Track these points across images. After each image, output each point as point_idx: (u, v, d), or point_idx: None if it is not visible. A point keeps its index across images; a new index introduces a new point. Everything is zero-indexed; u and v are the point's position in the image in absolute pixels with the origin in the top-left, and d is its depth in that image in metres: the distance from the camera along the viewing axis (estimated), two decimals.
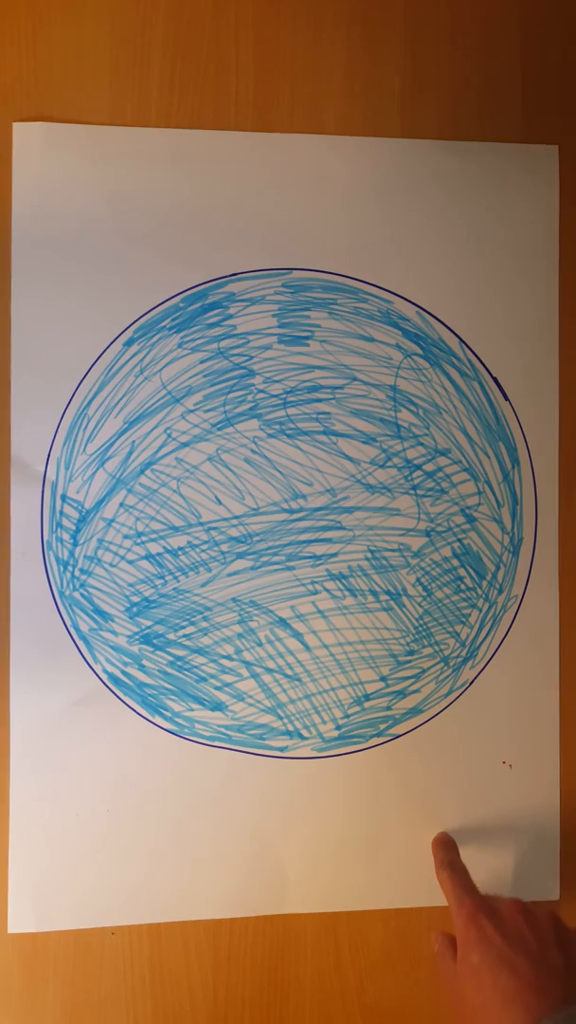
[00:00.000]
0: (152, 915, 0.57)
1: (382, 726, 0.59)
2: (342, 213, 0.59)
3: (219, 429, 0.58)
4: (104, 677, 0.57)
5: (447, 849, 0.57)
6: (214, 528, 0.58)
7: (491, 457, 0.60)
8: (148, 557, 0.57)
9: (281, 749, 0.58)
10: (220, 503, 0.58)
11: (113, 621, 0.57)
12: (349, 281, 0.59)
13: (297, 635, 0.58)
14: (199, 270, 0.58)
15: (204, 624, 0.58)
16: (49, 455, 0.57)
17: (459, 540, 0.60)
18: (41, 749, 0.56)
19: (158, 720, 0.57)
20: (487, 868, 0.59)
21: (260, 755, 0.58)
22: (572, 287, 0.61)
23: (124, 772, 0.57)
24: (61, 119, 0.57)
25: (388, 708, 0.59)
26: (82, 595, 0.57)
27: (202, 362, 0.58)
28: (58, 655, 0.57)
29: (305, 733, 0.58)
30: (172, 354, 0.58)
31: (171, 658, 0.58)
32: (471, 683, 0.60)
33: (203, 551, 0.58)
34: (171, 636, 0.58)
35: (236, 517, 0.58)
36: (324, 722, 0.59)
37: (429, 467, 0.59)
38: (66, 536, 0.57)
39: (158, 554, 0.57)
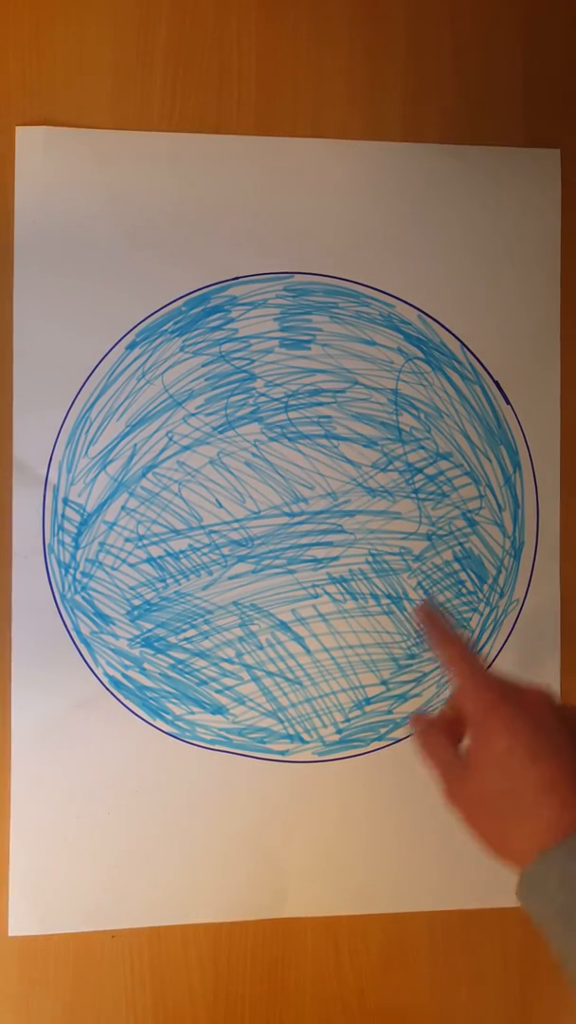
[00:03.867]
0: (152, 918, 0.57)
1: (383, 730, 0.59)
2: (344, 217, 0.59)
3: (220, 432, 0.58)
4: (105, 680, 0.57)
5: (441, 621, 0.49)
6: (215, 531, 0.58)
7: (492, 461, 0.60)
8: (149, 560, 0.57)
9: (282, 753, 0.58)
10: (221, 506, 0.58)
11: (114, 624, 0.57)
12: (351, 285, 0.59)
13: (298, 638, 0.58)
14: (201, 274, 0.58)
15: (205, 627, 0.58)
16: (51, 458, 0.57)
17: (460, 544, 0.60)
18: (42, 752, 0.56)
19: (159, 723, 0.57)
20: (487, 871, 0.59)
21: (261, 759, 0.58)
22: (573, 290, 0.61)
23: (125, 775, 0.57)
24: (64, 123, 0.57)
25: (389, 712, 0.59)
26: (83, 598, 0.57)
27: (204, 365, 0.58)
28: (59, 658, 0.57)
29: (306, 737, 0.58)
30: (174, 357, 0.58)
31: (172, 661, 0.58)
32: None
33: (204, 554, 0.58)
34: (172, 639, 0.58)
35: (237, 520, 0.58)
36: (325, 726, 0.59)
37: (430, 471, 0.59)
38: (68, 539, 0.57)
39: (159, 557, 0.57)
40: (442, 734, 0.45)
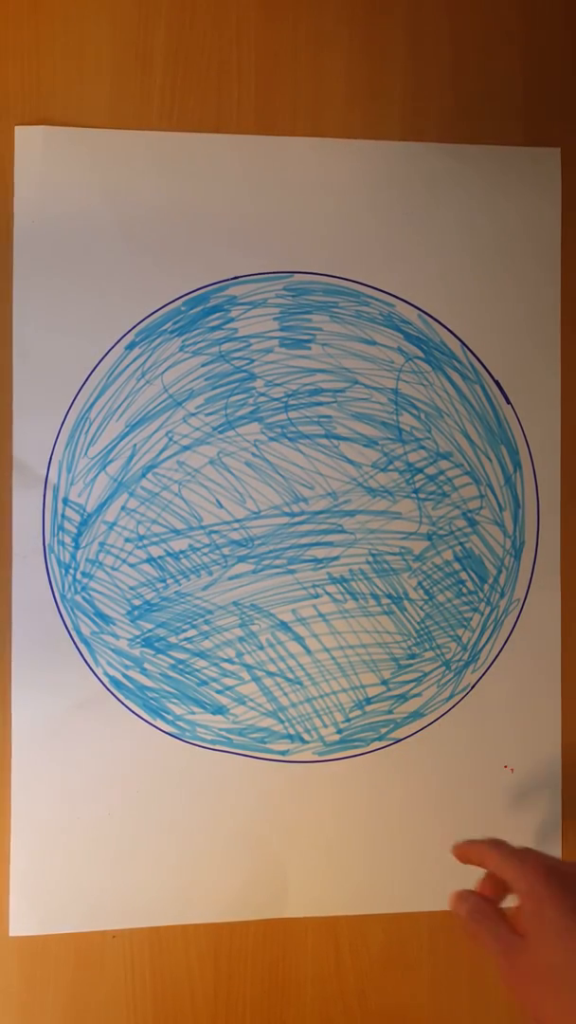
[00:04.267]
0: (153, 918, 0.57)
1: (383, 730, 0.59)
2: (344, 216, 0.59)
3: (220, 432, 0.58)
4: (105, 680, 0.57)
5: (465, 900, 0.49)
6: (215, 531, 0.58)
7: (493, 460, 0.60)
8: (149, 560, 0.57)
9: (282, 753, 0.58)
10: (221, 506, 0.58)
11: (114, 624, 0.57)
12: (351, 284, 0.59)
13: (298, 638, 0.58)
14: (200, 273, 0.58)
15: (205, 627, 0.58)
16: (51, 458, 0.57)
17: (461, 544, 0.60)
18: (42, 752, 0.56)
19: (159, 723, 0.57)
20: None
21: (261, 759, 0.58)
22: (574, 289, 0.61)
23: (125, 775, 0.57)
24: (63, 123, 0.57)
25: (389, 712, 0.59)
26: (83, 598, 0.57)
27: (203, 365, 0.58)
28: (59, 658, 0.57)
29: (306, 737, 0.58)
30: (173, 357, 0.58)
31: (172, 661, 0.58)
32: (473, 687, 0.60)
33: (204, 554, 0.58)
34: (172, 639, 0.58)
35: (237, 520, 0.58)
36: (325, 726, 0.58)
37: (431, 470, 0.59)
38: (68, 539, 0.57)
39: (159, 557, 0.57)
40: (492, 910, 0.45)
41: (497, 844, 0.47)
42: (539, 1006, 0.41)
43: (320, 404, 0.59)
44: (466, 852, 0.49)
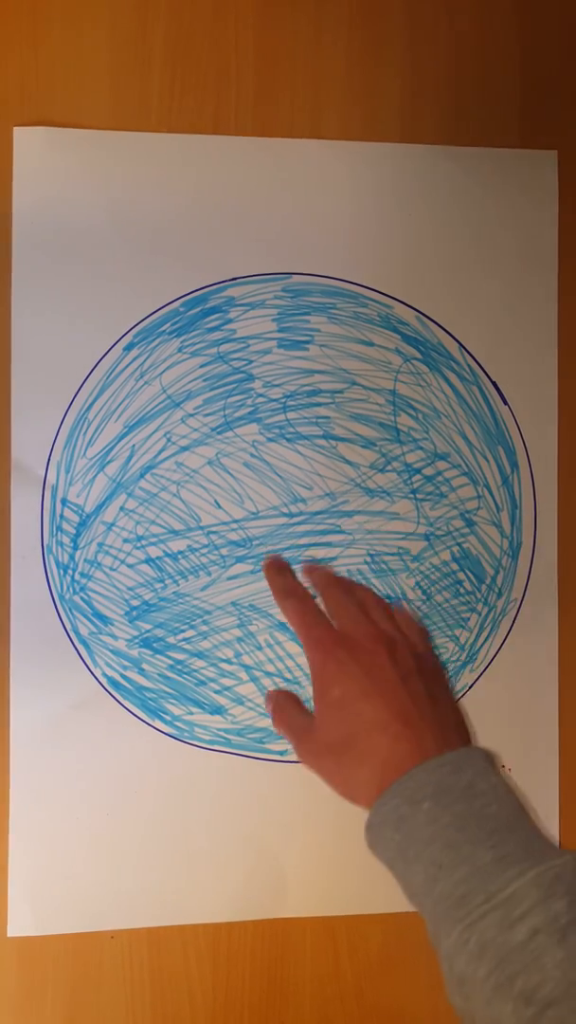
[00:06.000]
0: (151, 919, 0.57)
1: None
2: (342, 218, 0.59)
3: (219, 433, 0.58)
4: (104, 681, 0.57)
5: (282, 574, 0.52)
6: (214, 532, 0.58)
7: (490, 461, 0.60)
8: (148, 561, 0.57)
9: (280, 753, 0.58)
10: (220, 507, 0.58)
11: (113, 625, 0.57)
12: (349, 285, 0.59)
13: (296, 639, 0.58)
14: (199, 274, 0.58)
15: (204, 628, 0.58)
16: (49, 459, 0.57)
17: (458, 544, 0.60)
18: (41, 753, 0.56)
19: (157, 724, 0.57)
20: None
21: (259, 759, 0.58)
22: (571, 291, 0.61)
23: (123, 776, 0.57)
24: (62, 124, 0.57)
25: None
26: (82, 599, 0.57)
27: (202, 366, 0.58)
28: (58, 659, 0.57)
29: None
30: (172, 358, 0.58)
31: (171, 662, 0.58)
32: (470, 687, 0.60)
33: (203, 555, 0.58)
34: (171, 640, 0.58)
35: (236, 521, 0.58)
36: None
37: (428, 471, 0.60)
38: (66, 540, 0.57)
39: (158, 558, 0.57)
40: (291, 700, 0.48)
41: (302, 598, 0.48)
42: (330, 778, 0.44)
43: (318, 405, 0.59)
44: (273, 582, 0.51)
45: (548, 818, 0.60)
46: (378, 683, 0.43)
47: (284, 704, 0.49)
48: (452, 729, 0.43)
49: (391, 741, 0.41)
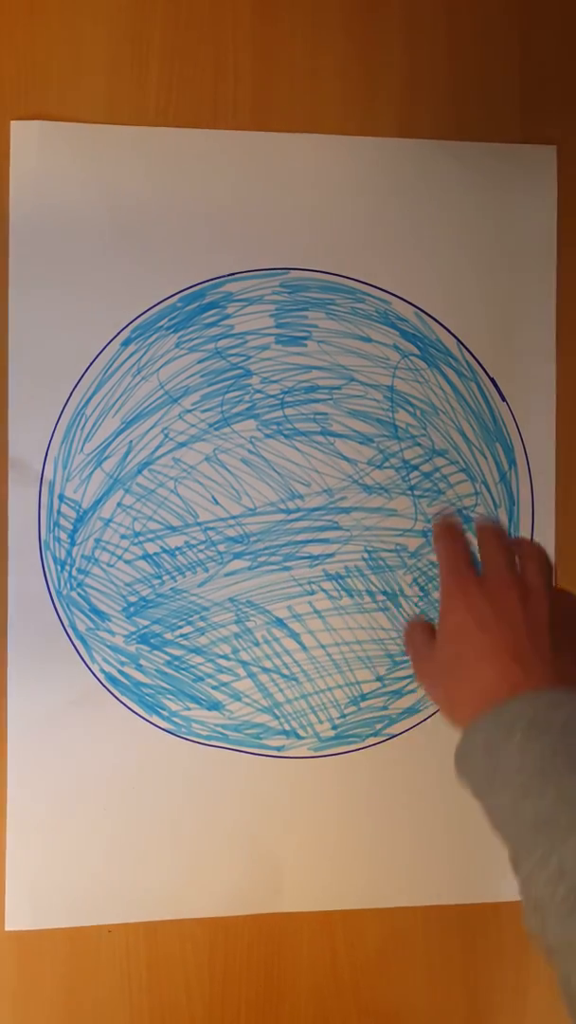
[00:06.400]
0: (148, 913, 0.58)
1: (378, 726, 0.59)
2: (340, 213, 0.59)
3: (216, 429, 0.58)
4: (101, 676, 0.57)
5: (449, 518, 0.51)
6: (211, 528, 0.58)
7: (488, 458, 0.60)
8: (145, 557, 0.57)
9: (278, 749, 0.58)
10: (217, 503, 0.58)
11: (110, 621, 0.57)
12: (347, 281, 0.59)
13: (294, 635, 0.58)
14: (196, 270, 0.58)
15: (201, 624, 0.58)
16: (47, 454, 0.57)
17: None
18: (38, 748, 0.56)
19: (155, 719, 0.57)
20: (483, 866, 0.60)
21: (257, 754, 0.58)
22: (570, 287, 0.61)
23: (121, 771, 0.57)
24: (59, 118, 0.57)
25: (385, 708, 0.59)
26: (79, 595, 0.57)
27: (199, 362, 0.58)
28: (55, 654, 0.57)
29: (302, 733, 0.59)
30: (169, 354, 0.58)
31: (168, 658, 0.58)
32: None
33: (200, 551, 0.58)
34: (168, 636, 0.58)
35: (233, 517, 0.58)
36: (321, 722, 0.59)
37: (426, 468, 0.60)
38: (63, 536, 0.57)
39: (155, 554, 0.57)
40: (421, 625, 0.48)
41: (455, 538, 0.48)
42: (436, 697, 0.46)
43: (316, 401, 0.59)
44: (444, 527, 0.50)
45: None
46: (500, 617, 0.43)
47: (414, 627, 0.49)
48: (566, 674, 0.42)
49: (498, 672, 0.41)
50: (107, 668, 0.57)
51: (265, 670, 0.58)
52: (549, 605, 0.44)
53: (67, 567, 0.57)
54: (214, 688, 0.58)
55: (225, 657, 0.58)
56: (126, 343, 0.57)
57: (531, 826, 0.36)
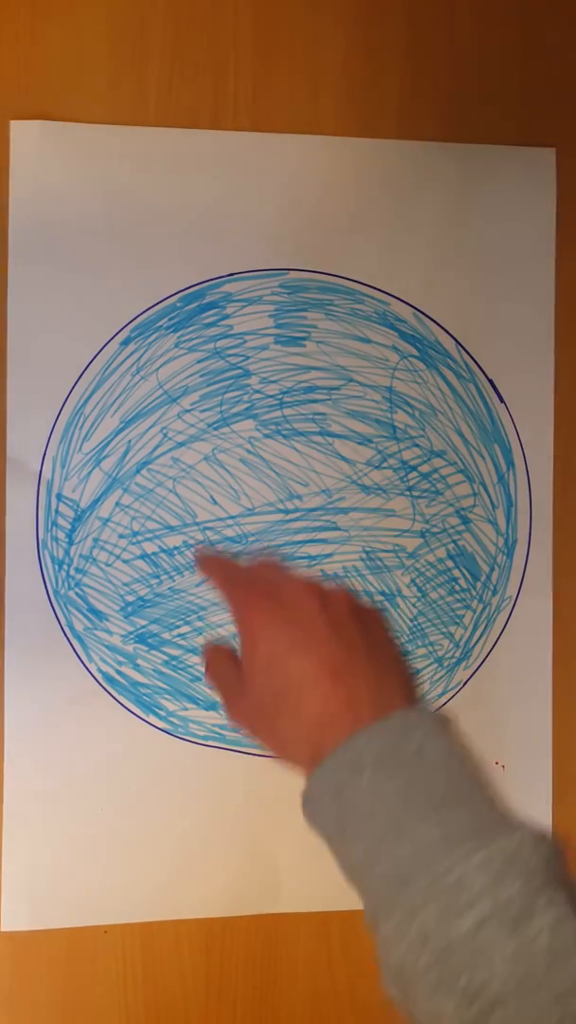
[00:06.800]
0: (145, 913, 0.57)
1: None
2: (339, 214, 0.59)
3: (215, 429, 0.58)
4: (99, 676, 0.57)
5: (208, 555, 0.48)
6: (210, 528, 0.58)
7: (486, 459, 0.60)
8: (143, 556, 0.57)
9: None
10: (216, 503, 0.58)
11: (108, 620, 0.57)
12: (346, 282, 0.59)
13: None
14: (196, 270, 0.58)
15: (199, 624, 0.58)
16: (45, 453, 0.57)
17: (454, 541, 0.60)
18: (35, 748, 0.56)
19: (152, 719, 0.57)
20: None
21: (254, 754, 0.58)
22: (568, 289, 0.61)
23: (118, 771, 0.57)
24: (59, 117, 0.57)
25: None
26: (77, 594, 0.57)
27: (199, 362, 0.58)
28: (53, 654, 0.57)
29: None
30: (169, 353, 0.58)
31: (166, 657, 0.58)
32: (465, 684, 0.60)
33: None
34: (166, 635, 0.58)
35: (232, 517, 0.58)
36: None
37: (424, 468, 0.60)
38: (61, 535, 0.57)
39: (153, 553, 0.57)
40: (223, 654, 0.43)
41: (226, 564, 0.44)
42: (266, 742, 0.40)
43: (315, 401, 0.59)
44: (201, 560, 0.47)
45: (541, 815, 0.60)
46: (307, 633, 0.38)
47: (216, 658, 0.43)
48: (394, 687, 0.38)
49: (322, 699, 0.36)
50: (104, 668, 0.57)
51: None
52: (347, 603, 0.40)
53: (65, 566, 0.57)
54: (211, 688, 0.58)
55: None
56: (125, 342, 0.57)
57: (388, 883, 0.33)
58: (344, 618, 0.39)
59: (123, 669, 0.57)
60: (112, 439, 0.57)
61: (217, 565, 0.45)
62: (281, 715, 0.38)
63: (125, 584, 0.57)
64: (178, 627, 0.58)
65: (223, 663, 0.43)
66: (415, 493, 0.60)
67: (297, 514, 0.59)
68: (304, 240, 0.58)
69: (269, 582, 0.41)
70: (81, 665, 0.57)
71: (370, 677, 0.37)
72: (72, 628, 0.57)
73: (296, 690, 0.37)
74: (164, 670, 0.58)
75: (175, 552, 0.57)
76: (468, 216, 0.60)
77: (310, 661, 0.37)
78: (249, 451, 0.58)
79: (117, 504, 0.57)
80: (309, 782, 0.37)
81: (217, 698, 0.43)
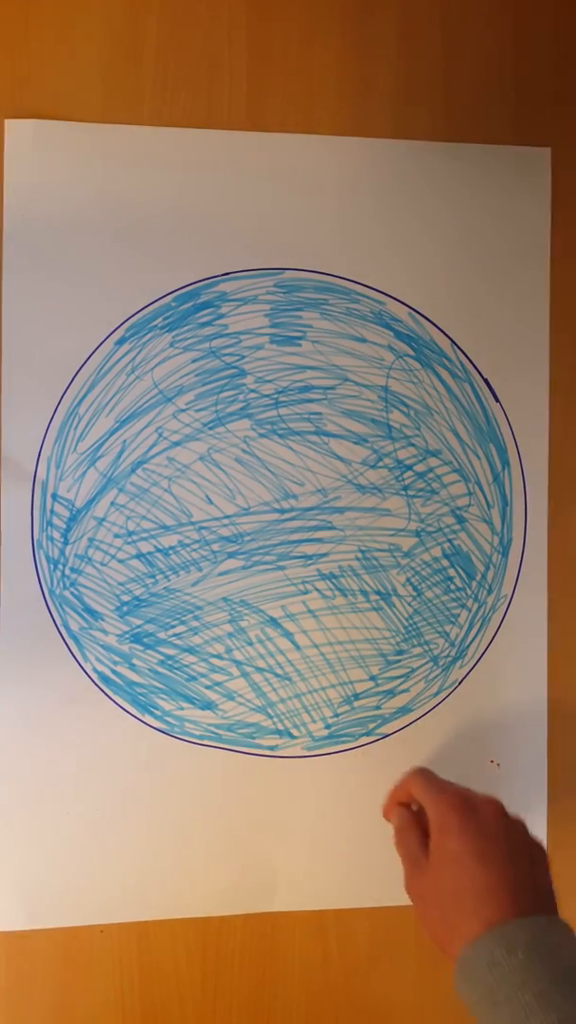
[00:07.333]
0: (141, 913, 0.57)
1: (371, 725, 0.59)
2: (334, 213, 0.59)
3: (210, 428, 0.58)
4: (94, 676, 0.57)
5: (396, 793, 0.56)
6: (205, 527, 0.58)
7: (481, 458, 0.60)
8: (139, 556, 0.57)
9: (271, 748, 0.58)
10: (211, 502, 0.58)
11: (103, 620, 0.57)
12: (341, 282, 0.59)
13: (287, 634, 0.58)
14: (191, 269, 0.58)
15: (195, 623, 0.58)
16: (40, 453, 0.57)
17: (449, 540, 0.60)
18: (30, 747, 0.56)
19: (148, 719, 0.57)
20: None
21: (250, 754, 0.58)
22: (563, 289, 0.61)
23: (114, 771, 0.57)
24: (54, 116, 0.57)
25: (378, 707, 0.59)
26: (72, 594, 0.57)
27: (194, 361, 0.58)
28: (48, 654, 0.57)
29: (295, 732, 0.59)
30: (164, 353, 0.58)
31: (161, 657, 0.58)
32: (460, 683, 0.60)
33: (194, 550, 0.58)
34: (161, 635, 0.58)
35: (227, 516, 0.58)
36: (314, 721, 0.59)
37: (420, 468, 0.60)
38: (57, 535, 0.57)
39: (149, 553, 0.57)
40: (414, 829, 0.51)
41: (421, 773, 0.52)
42: (430, 922, 0.47)
43: (310, 401, 0.59)
44: (394, 793, 0.54)
45: (536, 814, 0.61)
46: (495, 847, 0.46)
47: (407, 829, 0.51)
48: (545, 898, 0.46)
49: (496, 906, 0.44)
50: (100, 667, 0.57)
51: (258, 669, 0.58)
52: (521, 829, 0.48)
53: (60, 566, 0.57)
54: (207, 687, 0.58)
55: (218, 656, 0.58)
56: (120, 342, 0.57)
57: None
58: (519, 839, 0.47)
59: (119, 669, 0.57)
60: (107, 439, 0.57)
61: (409, 780, 0.53)
62: (458, 912, 0.45)
63: (120, 584, 0.57)
64: (173, 627, 0.58)
65: (413, 839, 0.50)
66: (410, 492, 0.60)
67: (293, 513, 0.59)
68: (299, 239, 0.58)
69: (460, 791, 0.50)
70: (77, 665, 0.57)
71: (531, 890, 0.45)
72: (67, 628, 0.57)
73: (476, 894, 0.44)
74: (160, 670, 0.58)
75: (170, 552, 0.57)
76: (463, 215, 0.60)
77: (492, 875, 0.45)
78: (244, 451, 0.58)
79: (112, 504, 0.57)
80: (467, 950, 0.43)
81: (402, 863, 0.50)
